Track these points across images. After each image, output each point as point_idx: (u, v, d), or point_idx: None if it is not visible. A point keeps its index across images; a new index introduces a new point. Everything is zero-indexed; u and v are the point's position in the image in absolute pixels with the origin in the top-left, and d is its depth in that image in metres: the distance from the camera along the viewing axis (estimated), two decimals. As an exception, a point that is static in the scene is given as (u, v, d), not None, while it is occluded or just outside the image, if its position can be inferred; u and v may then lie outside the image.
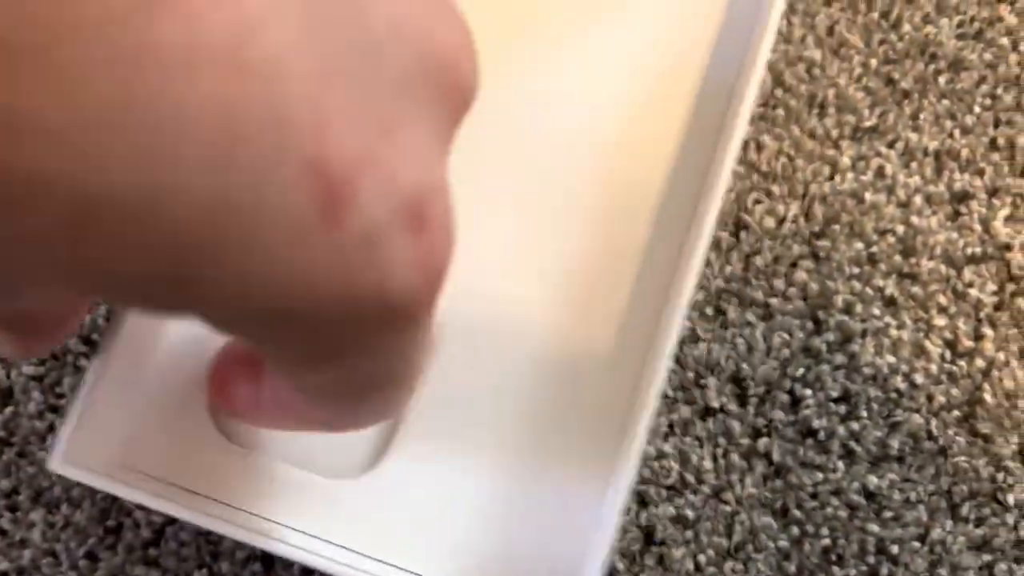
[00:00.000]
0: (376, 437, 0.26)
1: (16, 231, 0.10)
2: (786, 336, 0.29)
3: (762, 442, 0.28)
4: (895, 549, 0.27)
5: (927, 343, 0.29)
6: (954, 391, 0.28)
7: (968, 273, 0.29)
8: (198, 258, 0.11)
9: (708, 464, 0.28)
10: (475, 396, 0.26)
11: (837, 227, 0.30)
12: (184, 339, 0.26)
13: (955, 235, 0.30)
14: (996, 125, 0.31)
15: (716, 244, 0.29)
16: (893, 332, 0.29)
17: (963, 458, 0.28)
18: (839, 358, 0.28)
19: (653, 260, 0.26)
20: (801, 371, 0.28)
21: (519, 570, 0.25)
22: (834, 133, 0.30)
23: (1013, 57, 0.31)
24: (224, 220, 0.11)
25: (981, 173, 0.30)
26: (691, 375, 0.28)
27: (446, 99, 0.13)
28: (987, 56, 0.31)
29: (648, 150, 0.27)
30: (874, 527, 0.27)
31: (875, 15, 0.31)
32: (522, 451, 0.25)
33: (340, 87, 0.11)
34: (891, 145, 0.30)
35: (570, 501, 0.25)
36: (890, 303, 0.29)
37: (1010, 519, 0.27)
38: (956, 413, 0.28)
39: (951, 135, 0.31)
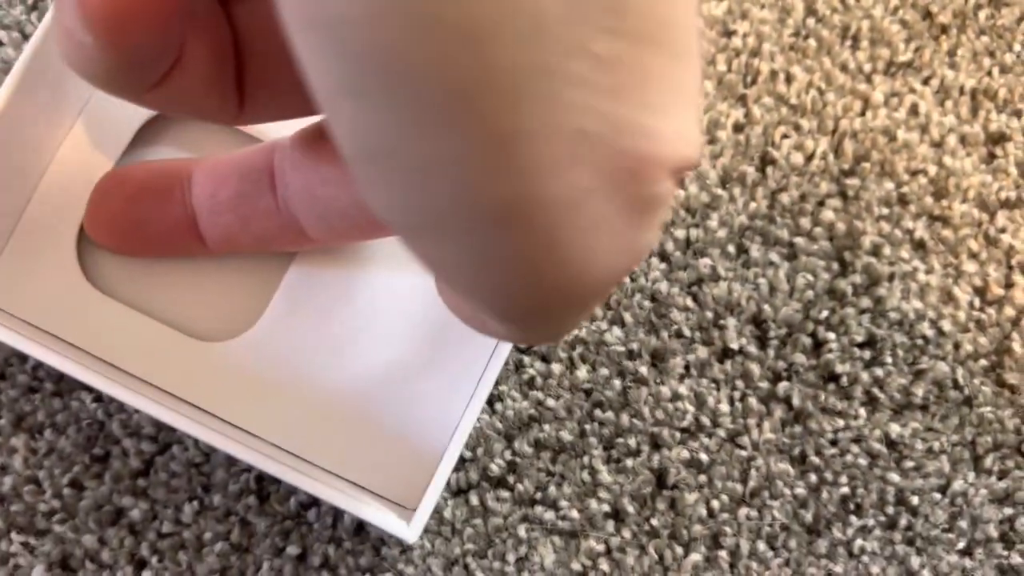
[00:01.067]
0: (249, 304, 0.25)
1: None
2: (810, 277, 0.27)
3: (782, 386, 0.27)
4: (915, 500, 0.26)
5: (956, 289, 0.28)
6: (982, 340, 0.27)
7: (1001, 218, 0.28)
8: None
9: (725, 407, 0.27)
10: (353, 270, 0.26)
11: (867, 165, 0.28)
12: (61, 178, 0.26)
13: (989, 178, 0.28)
14: (1036, 64, 0.29)
15: (741, 179, 0.28)
16: (921, 276, 0.28)
17: (988, 409, 0.27)
18: (865, 302, 0.27)
19: None
20: (825, 314, 0.27)
21: (385, 441, 0.25)
22: (867, 67, 0.29)
23: (1057, -7, 0.29)
24: None
25: (1019, 114, 0.29)
26: (710, 315, 0.27)
27: None
28: (1030, -9, 0.29)
29: None
30: (895, 477, 0.26)
31: (915, -56, 0.30)
32: (401, 327, 0.25)
33: None
34: (926, 82, 0.29)
35: (449, 382, 0.25)
36: (919, 246, 0.28)
37: (1034, 472, 0.27)
38: (983, 362, 0.27)
39: (989, 73, 0.29)
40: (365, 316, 0.25)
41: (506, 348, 0.24)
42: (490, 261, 0.12)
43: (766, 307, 0.27)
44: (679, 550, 0.26)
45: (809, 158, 0.28)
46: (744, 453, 0.26)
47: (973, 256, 0.28)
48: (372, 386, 0.25)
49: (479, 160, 0.11)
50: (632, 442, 0.26)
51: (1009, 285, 0.28)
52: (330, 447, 0.25)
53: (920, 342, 0.27)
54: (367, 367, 0.25)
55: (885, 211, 0.28)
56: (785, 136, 0.28)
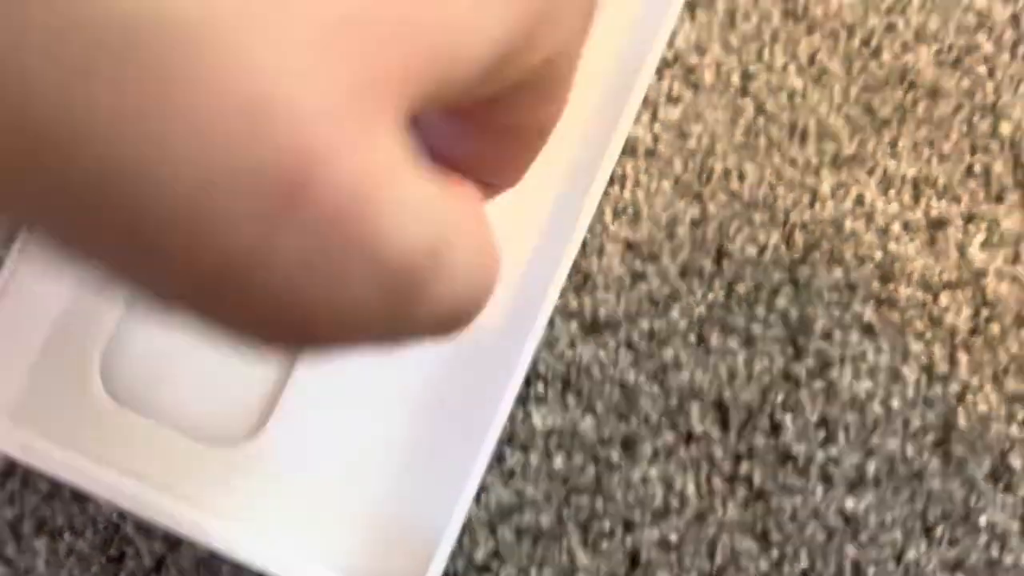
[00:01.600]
0: (257, 405, 0.27)
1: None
2: (767, 362, 0.29)
3: (743, 467, 0.29)
4: (871, 570, 0.28)
5: (904, 368, 0.30)
6: (929, 415, 0.29)
7: (944, 299, 0.30)
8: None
9: (691, 489, 0.29)
10: (357, 368, 0.27)
11: (817, 254, 0.30)
12: (75, 301, 0.27)
13: (932, 261, 0.30)
14: (973, 152, 0.31)
15: (699, 272, 0.30)
16: (871, 358, 0.30)
17: (937, 481, 0.29)
18: (818, 384, 0.29)
19: (540, 258, 0.28)
20: (781, 397, 0.29)
21: (379, 533, 0.26)
22: (814, 161, 0.31)
23: (990, 84, 0.32)
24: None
25: (958, 200, 0.31)
26: (675, 401, 0.29)
27: None
28: (964, 84, 0.32)
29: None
30: (851, 549, 0.28)
31: (855, 43, 0.32)
32: (401, 423, 0.27)
33: None
34: (870, 172, 0.31)
35: (442, 476, 0.27)
36: (868, 329, 0.30)
37: (982, 540, 0.28)
38: (931, 437, 0.29)
39: (928, 162, 0.31)
40: (360, 417, 0.28)
41: (491, 444, 0.26)
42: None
43: (726, 392, 0.29)
44: (653, 625, 0.28)
45: (762, 250, 0.30)
46: (711, 531, 0.28)
47: (919, 336, 0.30)
48: (367, 482, 0.27)
49: None
50: (606, 525, 0.28)
51: (953, 363, 0.30)
52: (329, 542, 0.27)
53: (871, 421, 0.29)
54: (361, 465, 0.27)
55: (835, 297, 0.30)
56: (739, 230, 0.30)
